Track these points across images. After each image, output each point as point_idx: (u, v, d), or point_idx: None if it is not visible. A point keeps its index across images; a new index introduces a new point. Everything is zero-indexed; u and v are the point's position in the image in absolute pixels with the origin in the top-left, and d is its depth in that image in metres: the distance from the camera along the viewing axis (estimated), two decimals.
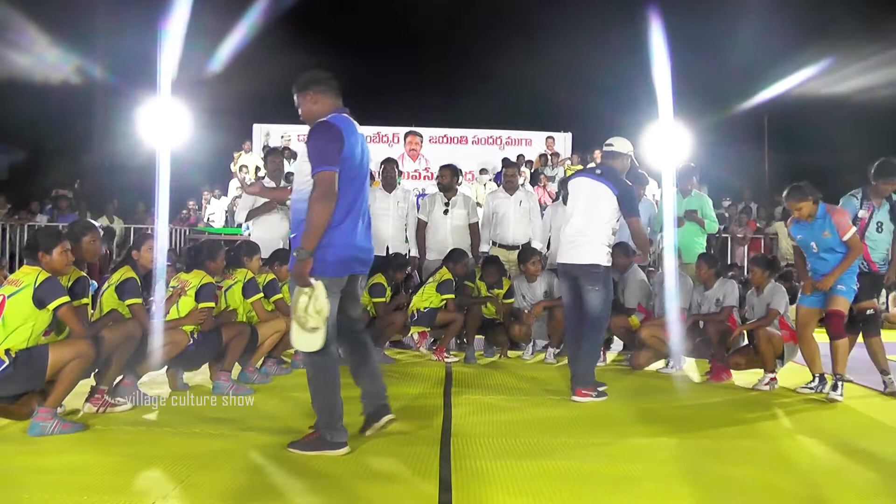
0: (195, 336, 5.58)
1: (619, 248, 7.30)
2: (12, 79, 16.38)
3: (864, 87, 16.20)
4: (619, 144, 5.84)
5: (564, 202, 8.06)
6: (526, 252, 7.62)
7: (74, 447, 4.10)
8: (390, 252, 7.94)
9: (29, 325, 4.29)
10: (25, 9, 15.76)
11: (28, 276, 4.36)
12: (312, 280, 3.80)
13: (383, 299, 7.39)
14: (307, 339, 3.87)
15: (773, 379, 6.10)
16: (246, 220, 7.72)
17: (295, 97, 4.28)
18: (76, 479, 3.54)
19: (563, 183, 9.11)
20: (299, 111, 4.28)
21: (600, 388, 5.56)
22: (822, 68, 16.68)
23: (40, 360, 4.26)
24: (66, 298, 4.36)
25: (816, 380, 5.91)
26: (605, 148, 5.97)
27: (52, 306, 4.30)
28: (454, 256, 7.45)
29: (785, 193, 5.97)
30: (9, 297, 4.30)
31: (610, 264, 5.67)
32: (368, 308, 7.31)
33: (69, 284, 4.67)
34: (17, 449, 4.05)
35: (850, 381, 5.96)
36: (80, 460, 3.86)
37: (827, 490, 3.53)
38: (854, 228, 5.78)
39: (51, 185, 16.14)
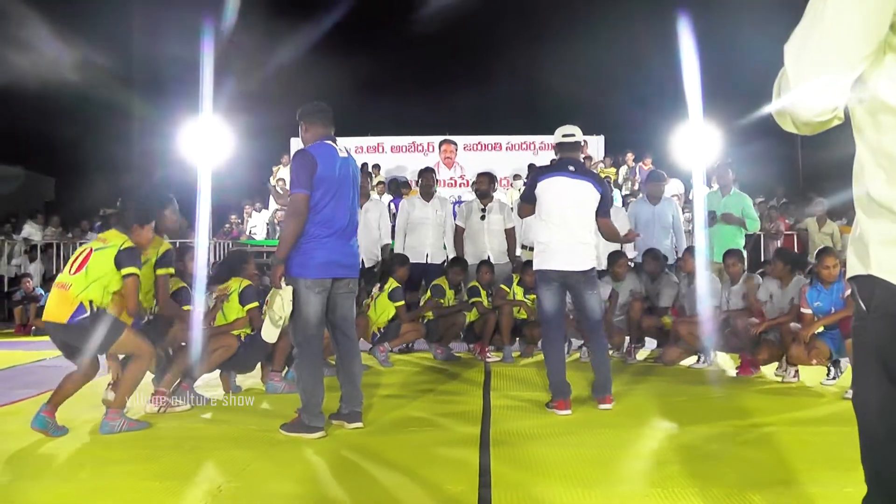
0: (243, 339, 5.94)
1: (649, 255, 7.51)
2: (57, 100, 16.86)
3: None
4: (579, 133, 5.54)
5: None
6: (613, 255, 7.65)
7: (140, 442, 4.45)
8: (429, 260, 8.20)
9: (104, 282, 4.64)
10: (68, 27, 16.22)
11: (116, 238, 4.80)
12: (283, 284, 4.45)
13: (443, 300, 7.68)
14: (272, 332, 4.60)
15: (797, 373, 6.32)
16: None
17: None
18: (147, 467, 3.89)
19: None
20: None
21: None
22: None
23: (114, 330, 4.61)
24: (137, 270, 4.72)
25: (832, 370, 6.16)
26: (564, 139, 5.53)
27: (125, 272, 4.66)
28: (395, 261, 7.70)
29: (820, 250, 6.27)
30: (96, 250, 4.73)
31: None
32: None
33: (159, 254, 5.08)
34: (90, 444, 4.43)
35: None
36: (149, 454, 4.20)
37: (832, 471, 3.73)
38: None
39: (95, 204, 16.63)
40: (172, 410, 5.29)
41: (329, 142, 4.65)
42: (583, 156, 17.48)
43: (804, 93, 1.60)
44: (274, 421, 4.69)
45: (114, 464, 4.00)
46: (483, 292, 7.68)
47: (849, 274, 1.72)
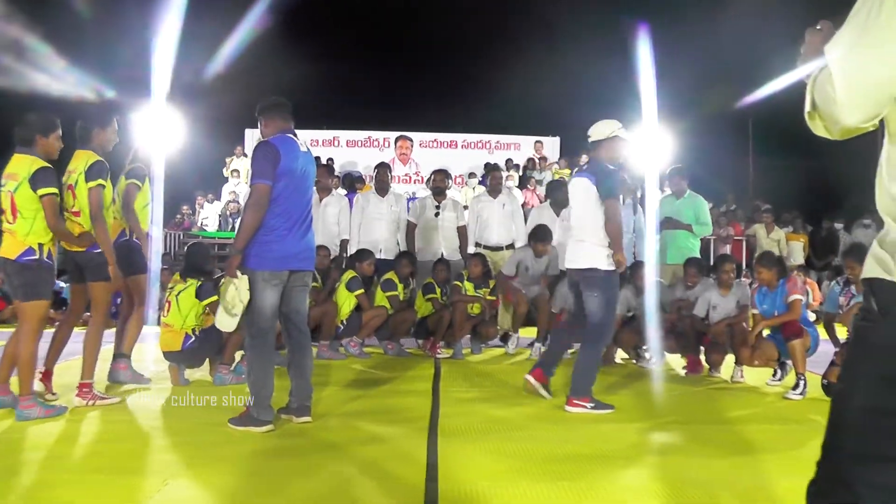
0: (196, 333, 5.89)
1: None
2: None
3: None
4: (595, 131, 5.44)
5: (551, 205, 8.35)
6: None
7: (85, 436, 4.36)
8: (382, 255, 8.17)
9: (40, 217, 4.77)
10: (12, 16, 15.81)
11: (23, 165, 4.79)
12: (239, 273, 4.41)
13: (395, 293, 7.64)
14: (229, 321, 4.51)
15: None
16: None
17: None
18: (92, 462, 3.82)
19: (551, 186, 9.33)
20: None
21: (598, 404, 5.14)
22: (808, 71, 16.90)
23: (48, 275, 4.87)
24: (54, 189, 4.79)
25: (778, 371, 6.33)
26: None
27: (41, 192, 4.73)
28: (360, 256, 7.72)
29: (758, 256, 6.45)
30: (14, 192, 4.76)
31: (612, 268, 5.18)
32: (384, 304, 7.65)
33: (87, 166, 5.12)
34: (32, 437, 4.32)
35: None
36: (93, 448, 4.11)
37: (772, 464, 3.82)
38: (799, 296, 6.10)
39: None
40: (102, 404, 5.12)
41: (290, 136, 4.64)
42: (537, 156, 17.61)
43: (852, 98, 1.53)
44: (221, 415, 4.63)
45: (57, 458, 3.93)
46: (438, 290, 7.67)
47: (866, 275, 1.68)
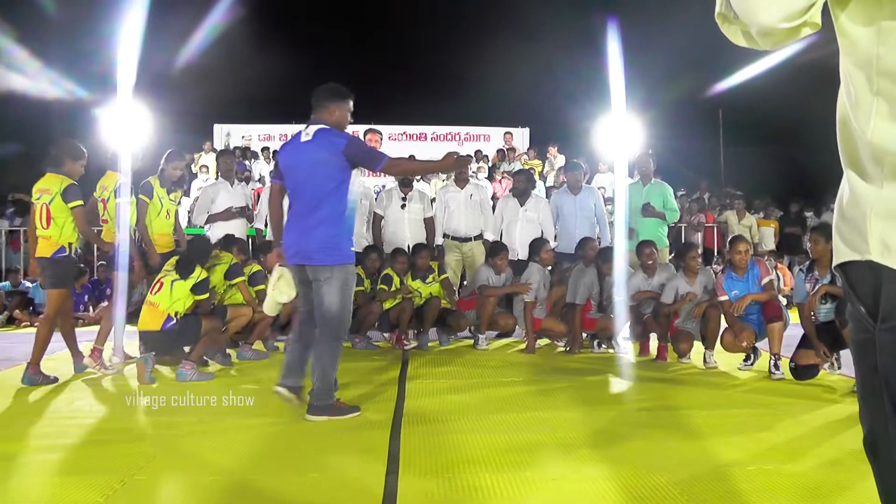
0: (177, 317, 5.94)
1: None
2: None
3: (814, 72, 16.53)
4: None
5: (515, 195, 8.32)
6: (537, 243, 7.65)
7: (46, 437, 4.25)
8: (354, 249, 8.06)
9: (70, 222, 5.86)
10: None
11: (55, 183, 5.84)
12: (278, 265, 4.89)
13: (361, 288, 7.51)
14: (274, 307, 5.13)
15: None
16: (206, 223, 7.86)
17: None
18: (50, 461, 3.72)
19: (516, 176, 9.27)
20: None
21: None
22: (777, 59, 16.99)
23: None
24: (80, 202, 5.87)
25: (751, 356, 6.36)
26: None
27: (71, 205, 5.80)
28: (263, 248, 7.58)
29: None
30: (49, 203, 5.81)
31: None
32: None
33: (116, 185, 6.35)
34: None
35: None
36: (51, 445, 4.01)
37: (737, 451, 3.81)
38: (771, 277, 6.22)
39: (4, 190, 16.03)
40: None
41: (301, 129, 4.77)
42: (507, 147, 17.59)
43: None
44: (182, 413, 4.55)
45: (9, 459, 3.80)
46: (396, 279, 7.57)
47: (836, 261, 1.35)
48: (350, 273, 4.62)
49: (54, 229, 5.82)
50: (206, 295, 6.09)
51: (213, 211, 7.80)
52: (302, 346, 4.76)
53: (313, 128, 4.63)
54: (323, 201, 4.54)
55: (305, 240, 4.55)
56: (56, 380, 5.80)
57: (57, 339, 6.08)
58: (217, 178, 8.82)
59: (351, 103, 4.80)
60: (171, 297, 5.94)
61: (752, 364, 6.34)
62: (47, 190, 5.83)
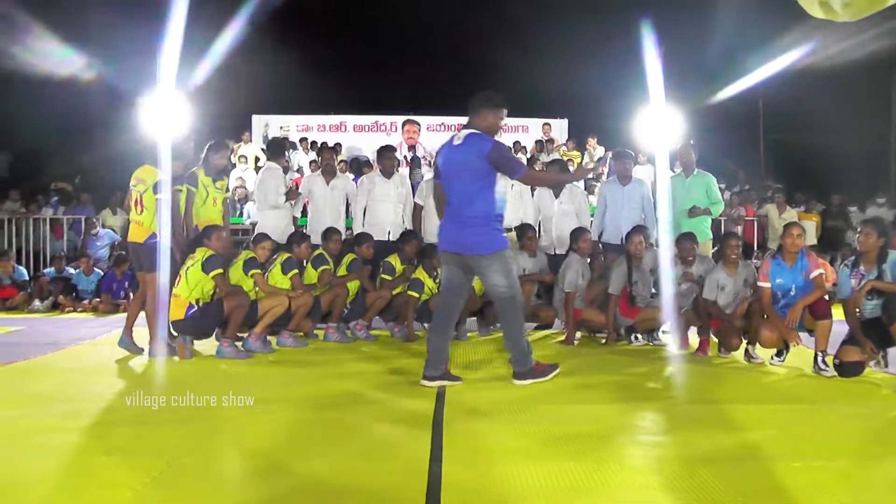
0: (199, 304, 6.28)
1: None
2: (11, 76, 16.46)
3: (857, 64, 16.20)
4: None
5: (549, 187, 8.29)
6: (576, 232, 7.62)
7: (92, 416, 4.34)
8: (390, 238, 8.12)
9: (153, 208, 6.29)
10: (23, 3, 15.80)
11: (150, 175, 6.32)
12: None
13: (390, 277, 7.59)
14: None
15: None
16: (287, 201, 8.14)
17: None
18: (97, 442, 3.79)
19: (549, 166, 9.21)
20: None
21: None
22: (814, 49, 16.69)
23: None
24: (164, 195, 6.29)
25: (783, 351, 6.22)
26: None
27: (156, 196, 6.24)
28: (359, 239, 7.75)
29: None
30: (143, 192, 6.31)
31: None
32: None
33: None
34: (38, 416, 4.29)
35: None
36: (100, 429, 4.09)
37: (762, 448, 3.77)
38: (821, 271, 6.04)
39: (52, 181, 16.29)
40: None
41: (456, 132, 5.31)
42: (545, 138, 17.49)
43: None
44: (225, 398, 4.58)
45: (55, 439, 3.87)
46: (399, 267, 7.65)
47: None
48: (506, 255, 5.14)
49: (146, 216, 6.29)
50: (220, 270, 6.37)
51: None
52: (439, 334, 5.25)
53: (465, 132, 5.17)
54: (472, 200, 5.08)
55: (460, 234, 5.13)
56: (142, 350, 6.46)
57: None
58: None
59: (504, 111, 5.31)
60: (189, 284, 6.30)
61: (783, 359, 6.19)
62: (143, 180, 6.35)
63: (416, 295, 7.39)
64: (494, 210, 5.13)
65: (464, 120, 5.40)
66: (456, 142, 5.16)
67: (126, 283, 10.75)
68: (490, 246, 5.07)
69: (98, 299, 10.88)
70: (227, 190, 7.53)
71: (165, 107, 12.62)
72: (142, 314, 6.56)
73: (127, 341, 6.53)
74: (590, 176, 12.70)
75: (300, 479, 3.27)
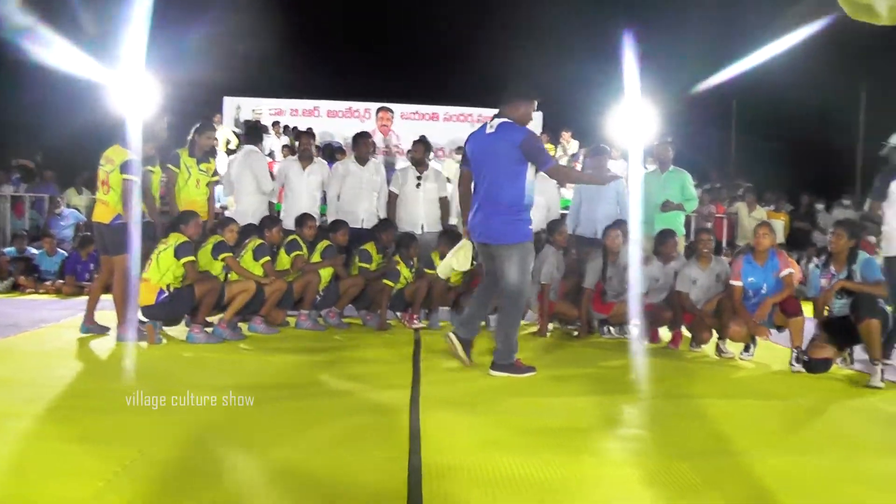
0: (170, 290, 6.16)
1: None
2: None
3: (830, 66, 16.38)
4: None
5: None
6: (553, 224, 7.60)
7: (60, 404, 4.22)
8: (364, 225, 8.06)
9: (118, 189, 6.12)
10: None
11: (119, 154, 6.14)
12: (465, 239, 5.71)
13: (369, 265, 7.52)
14: (447, 271, 6.09)
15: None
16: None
17: None
18: (65, 430, 3.68)
19: None
20: None
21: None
22: (789, 51, 16.83)
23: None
24: (135, 177, 6.10)
25: (751, 346, 6.36)
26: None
27: (124, 176, 6.06)
28: (335, 227, 7.67)
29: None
30: (109, 172, 6.15)
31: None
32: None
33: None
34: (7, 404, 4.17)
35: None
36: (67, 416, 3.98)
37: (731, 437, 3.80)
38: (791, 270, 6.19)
39: (14, 157, 15.92)
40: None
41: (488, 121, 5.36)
42: None
43: None
44: (200, 387, 4.50)
45: (20, 426, 3.78)
46: (376, 256, 7.61)
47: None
48: (528, 250, 5.24)
49: (112, 196, 6.14)
50: (192, 257, 6.25)
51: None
52: (480, 303, 5.54)
53: (497, 121, 5.23)
54: (502, 188, 5.16)
55: (488, 223, 5.23)
56: (108, 329, 6.46)
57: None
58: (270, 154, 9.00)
59: (536, 103, 5.33)
60: (160, 269, 6.19)
61: (751, 354, 6.33)
62: (111, 160, 6.21)
63: (392, 284, 7.35)
64: (524, 199, 5.19)
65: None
66: (489, 130, 5.25)
67: (91, 265, 10.55)
68: (513, 236, 5.18)
69: (61, 281, 10.66)
70: (216, 174, 7.37)
71: (134, 86, 12.40)
72: (106, 297, 6.42)
73: (88, 328, 6.47)
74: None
75: (274, 467, 3.22)
